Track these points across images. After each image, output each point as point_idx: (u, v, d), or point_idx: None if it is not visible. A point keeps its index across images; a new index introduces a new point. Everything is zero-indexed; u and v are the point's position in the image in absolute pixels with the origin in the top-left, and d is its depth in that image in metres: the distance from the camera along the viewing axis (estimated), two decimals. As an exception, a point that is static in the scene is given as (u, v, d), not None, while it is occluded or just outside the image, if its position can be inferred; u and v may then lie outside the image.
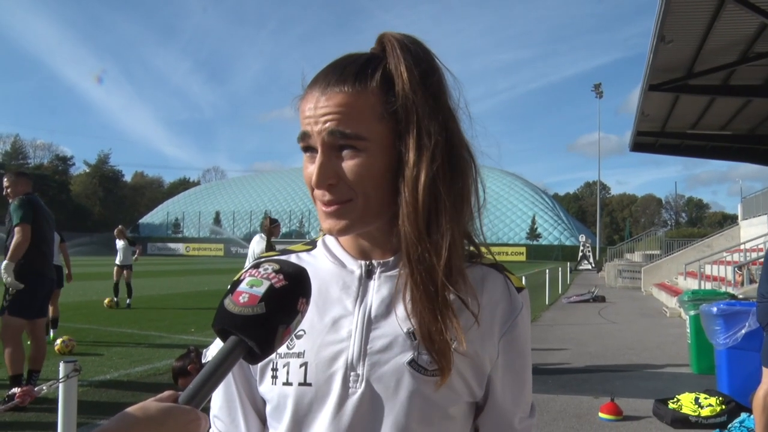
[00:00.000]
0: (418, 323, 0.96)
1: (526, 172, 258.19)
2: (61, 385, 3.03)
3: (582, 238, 51.25)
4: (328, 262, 1.08)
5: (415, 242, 0.95)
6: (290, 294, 0.81)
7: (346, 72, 0.97)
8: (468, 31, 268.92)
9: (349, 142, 0.94)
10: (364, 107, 0.95)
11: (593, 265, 46.35)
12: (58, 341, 8.64)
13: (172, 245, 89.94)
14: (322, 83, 0.98)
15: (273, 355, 0.99)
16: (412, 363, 0.97)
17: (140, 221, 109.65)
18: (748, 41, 16.05)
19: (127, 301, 15.26)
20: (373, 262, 1.05)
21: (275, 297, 0.79)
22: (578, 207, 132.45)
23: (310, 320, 1.01)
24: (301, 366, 1.00)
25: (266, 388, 1.04)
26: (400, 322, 1.00)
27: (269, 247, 8.53)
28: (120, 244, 15.45)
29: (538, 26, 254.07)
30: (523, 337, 1.08)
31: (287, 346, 1.01)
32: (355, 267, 1.05)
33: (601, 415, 5.98)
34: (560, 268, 26.67)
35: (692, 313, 8.12)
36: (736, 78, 17.26)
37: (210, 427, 1.12)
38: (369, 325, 1.00)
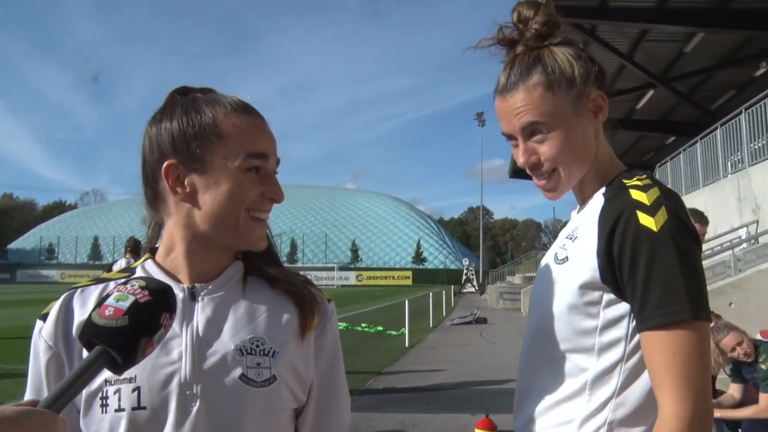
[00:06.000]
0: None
1: (422, 196, 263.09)
2: None
3: (465, 261, 52.80)
4: None
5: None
6: (154, 309, 0.85)
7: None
8: (361, 57, 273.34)
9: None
10: None
11: (476, 288, 47.71)
12: None
13: (45, 272, 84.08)
14: (260, 116, 1.14)
15: (102, 384, 1.02)
16: (243, 377, 1.04)
17: (9, 246, 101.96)
18: (610, 79, 17.18)
19: None
20: (197, 285, 1.11)
21: (139, 311, 0.83)
22: (463, 231, 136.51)
23: None
24: (133, 391, 1.01)
25: (94, 419, 1.02)
26: (228, 339, 1.06)
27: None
28: None
29: (429, 55, 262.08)
30: (333, 341, 1.21)
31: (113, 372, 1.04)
32: (178, 290, 1.08)
33: (477, 431, 6.23)
34: (444, 292, 27.31)
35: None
36: (601, 112, 18.55)
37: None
38: (199, 344, 1.05)
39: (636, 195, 1.17)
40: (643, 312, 1.11)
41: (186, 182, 1.08)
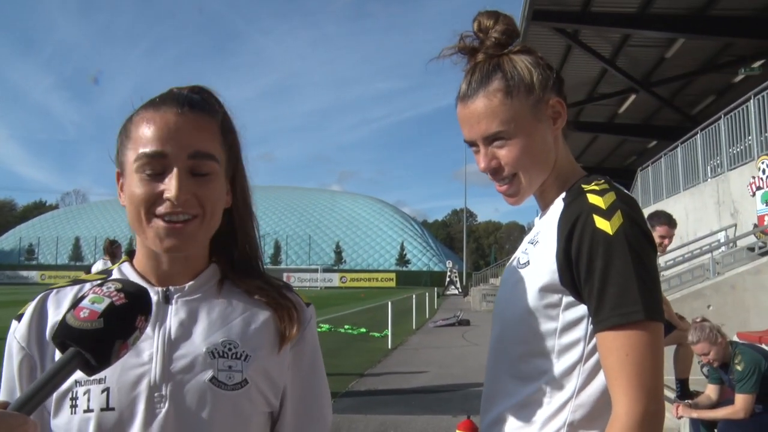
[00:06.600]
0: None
1: (407, 198, 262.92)
2: None
3: (449, 263, 52.93)
4: None
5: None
6: (129, 312, 0.85)
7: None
8: (345, 59, 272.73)
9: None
10: (215, 132, 1.10)
11: (460, 290, 47.81)
12: None
13: (24, 273, 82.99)
14: (172, 108, 1.09)
15: (72, 384, 1.02)
16: (213, 380, 1.04)
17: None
18: (592, 83, 17.50)
19: None
20: (171, 288, 1.11)
21: (114, 313, 0.83)
22: (446, 233, 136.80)
23: None
24: (102, 391, 1.01)
25: (64, 420, 1.03)
26: (199, 342, 1.06)
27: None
28: None
29: (413, 58, 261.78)
30: (312, 346, 1.20)
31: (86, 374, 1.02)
32: (152, 293, 1.06)
33: (457, 432, 6.26)
34: (427, 294, 27.32)
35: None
36: (584, 115, 18.78)
37: None
38: (170, 347, 1.05)
39: (593, 199, 1.20)
40: (599, 313, 1.14)
41: (123, 189, 1.10)
